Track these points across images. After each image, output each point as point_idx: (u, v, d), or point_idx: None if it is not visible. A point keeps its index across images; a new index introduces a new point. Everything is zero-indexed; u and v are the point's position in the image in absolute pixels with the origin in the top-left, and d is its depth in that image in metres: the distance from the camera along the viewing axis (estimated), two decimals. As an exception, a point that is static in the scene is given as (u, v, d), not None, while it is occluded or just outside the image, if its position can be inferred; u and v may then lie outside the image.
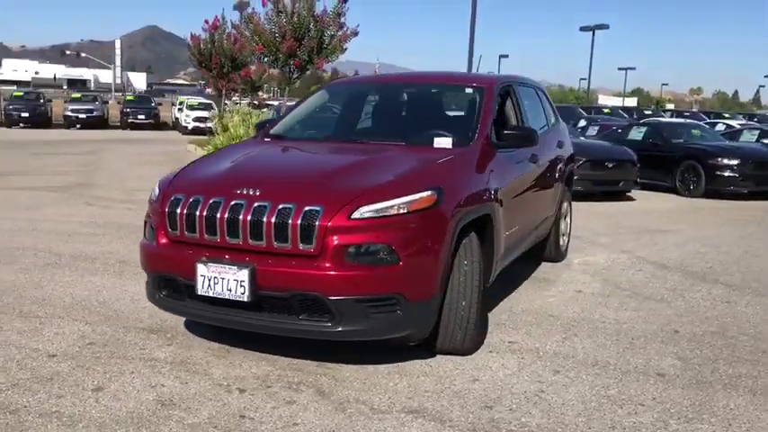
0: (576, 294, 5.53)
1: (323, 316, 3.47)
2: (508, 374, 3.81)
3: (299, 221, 3.42)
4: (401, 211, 3.51)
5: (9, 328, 4.36)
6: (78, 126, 32.84)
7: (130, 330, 4.38)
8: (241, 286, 3.48)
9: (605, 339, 4.45)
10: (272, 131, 5.11)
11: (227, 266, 3.51)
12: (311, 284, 3.41)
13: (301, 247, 3.44)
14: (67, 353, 3.96)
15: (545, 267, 6.42)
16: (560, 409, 3.38)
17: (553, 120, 6.61)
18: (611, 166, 12.05)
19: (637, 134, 15.20)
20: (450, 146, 4.42)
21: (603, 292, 5.62)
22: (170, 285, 3.83)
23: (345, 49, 13.41)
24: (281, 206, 3.47)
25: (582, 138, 14.51)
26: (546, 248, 6.45)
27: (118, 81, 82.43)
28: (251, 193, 3.59)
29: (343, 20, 13.21)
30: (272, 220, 3.45)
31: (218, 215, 3.56)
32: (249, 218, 3.50)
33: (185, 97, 40.74)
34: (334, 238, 3.40)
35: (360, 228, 3.43)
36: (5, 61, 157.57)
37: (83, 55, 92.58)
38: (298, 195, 3.52)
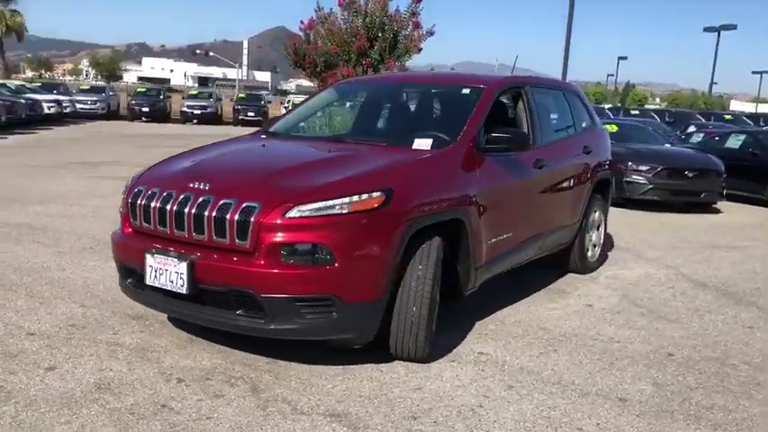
0: (584, 308, 5.23)
1: (258, 313, 3.48)
2: (456, 386, 3.67)
3: (236, 217, 3.45)
4: (340, 211, 3.45)
5: (10, 306, 4.67)
6: (195, 121, 34.59)
7: (116, 315, 4.57)
8: (181, 278, 3.55)
9: (585, 358, 4.18)
10: (271, 128, 5.18)
11: (169, 258, 3.59)
12: (245, 281, 3.43)
13: (237, 242, 3.46)
14: (46, 332, 4.19)
15: (568, 278, 6.12)
16: (488, 426, 3.22)
17: (585, 124, 6.28)
18: (691, 175, 11.28)
19: (734, 142, 14.15)
20: (428, 147, 4.30)
21: (615, 308, 5.28)
22: (133, 274, 3.97)
23: (420, 49, 13.34)
24: (222, 201, 3.52)
25: (667, 144, 13.67)
26: (570, 259, 6.14)
27: (243, 79, 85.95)
28: (200, 187, 3.66)
29: (417, 19, 13.15)
30: (213, 214, 3.50)
31: (168, 207, 3.65)
32: (193, 211, 3.56)
33: (294, 96, 42.06)
34: (269, 235, 3.40)
35: (295, 226, 3.40)
36: (145, 60, 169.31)
37: (211, 54, 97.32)
38: (241, 191, 3.55)
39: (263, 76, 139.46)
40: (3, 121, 23.24)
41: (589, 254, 6.33)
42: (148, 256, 3.67)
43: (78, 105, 34.09)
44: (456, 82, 5.29)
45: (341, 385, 3.61)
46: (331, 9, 13.21)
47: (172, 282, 3.59)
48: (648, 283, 6.09)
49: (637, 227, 9.27)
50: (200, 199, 3.57)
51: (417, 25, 13.26)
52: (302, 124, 5.25)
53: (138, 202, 3.83)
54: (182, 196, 3.64)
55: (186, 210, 3.58)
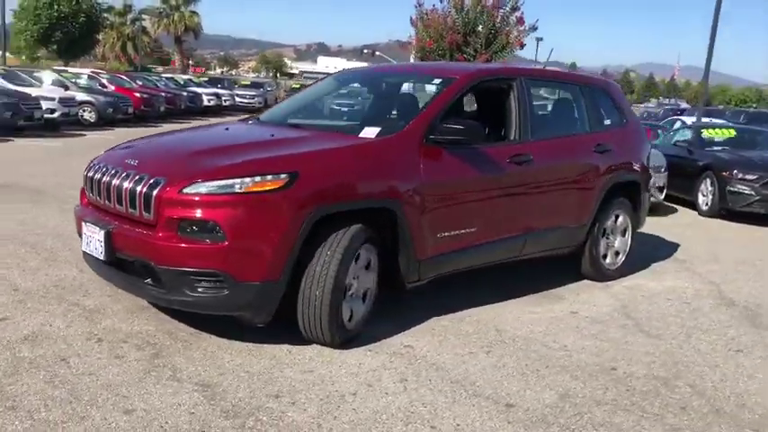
0: (565, 315, 4.94)
1: (159, 283, 3.70)
2: (349, 373, 3.67)
3: (143, 190, 3.68)
4: (236, 191, 3.57)
5: (12, 262, 5.25)
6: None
7: (99, 281, 4.98)
8: (100, 246, 3.85)
9: (512, 362, 3.99)
10: (263, 114, 5.39)
11: (94, 227, 3.91)
12: (146, 252, 3.66)
13: (144, 215, 3.70)
14: (28, 289, 4.68)
15: (578, 284, 5.77)
16: (341, 413, 3.22)
17: (609, 122, 5.89)
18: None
19: None
20: (373, 136, 4.30)
21: (601, 318, 4.94)
22: (87, 241, 4.34)
23: (523, 45, 13.00)
24: (138, 176, 3.77)
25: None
26: (582, 265, 5.80)
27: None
28: (130, 162, 3.94)
29: (520, 14, 12.83)
30: (128, 186, 3.76)
31: (102, 179, 3.97)
32: (115, 182, 3.85)
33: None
34: (167, 209, 3.60)
35: (189, 203, 3.57)
36: (320, 58, 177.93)
37: (377, 53, 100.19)
38: (155, 168, 3.79)
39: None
40: (162, 111, 25.74)
41: (607, 261, 5.93)
42: (83, 225, 4.01)
43: (238, 99, 36.90)
44: (432, 72, 5.19)
45: (237, 360, 3.73)
46: (434, 5, 13.25)
47: (95, 249, 3.90)
48: (665, 297, 5.59)
49: (717, 239, 8.51)
50: (125, 173, 3.85)
51: (521, 21, 12.93)
52: (286, 111, 5.36)
53: (88, 174, 4.18)
54: (114, 170, 3.94)
55: (113, 181, 3.87)
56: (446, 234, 4.45)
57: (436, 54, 13.13)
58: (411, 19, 13.32)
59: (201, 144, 4.37)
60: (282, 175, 3.65)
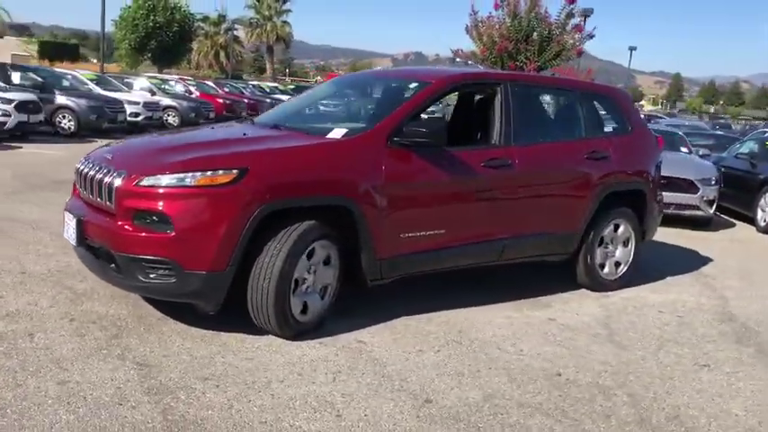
0: (540, 322, 4.90)
1: (118, 268, 3.98)
2: (287, 362, 3.83)
3: (107, 181, 3.99)
4: (186, 184, 3.81)
5: (32, 248, 5.70)
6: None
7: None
8: (73, 232, 4.19)
9: (456, 362, 4.03)
10: (259, 116, 5.64)
11: (70, 215, 4.25)
12: (107, 239, 3.96)
13: (107, 204, 4.00)
14: (34, 272, 5.09)
15: (573, 293, 5.68)
16: (258, 397, 3.38)
17: (611, 129, 5.79)
18: None
19: None
20: (339, 137, 4.45)
21: (576, 326, 4.87)
22: (76, 230, 4.70)
23: (581, 53, 12.73)
24: (107, 169, 4.08)
25: None
26: (577, 274, 5.72)
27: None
28: (108, 157, 4.27)
29: (578, 21, 12.57)
30: (99, 178, 4.08)
31: (84, 172, 4.31)
32: (91, 174, 4.17)
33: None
34: (124, 200, 3.89)
35: (143, 194, 3.84)
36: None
37: (457, 60, 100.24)
38: (122, 162, 4.09)
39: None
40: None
41: (605, 271, 5.80)
42: (65, 213, 4.37)
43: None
44: (412, 77, 5.28)
45: (187, 344, 3.96)
46: (489, 13, 13.22)
47: (70, 235, 4.24)
48: (658, 310, 5.43)
49: (761, 257, 8.17)
50: (100, 167, 4.17)
51: (579, 28, 12.70)
52: (280, 114, 5.56)
53: (77, 167, 4.54)
54: (95, 164, 4.27)
55: (89, 174, 4.20)
56: (411, 235, 4.53)
57: (489, 62, 13.11)
58: (466, 27, 13.35)
59: (172, 142, 4.64)
60: (233, 171, 3.85)
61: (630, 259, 5.96)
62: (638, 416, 3.48)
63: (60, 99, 18.69)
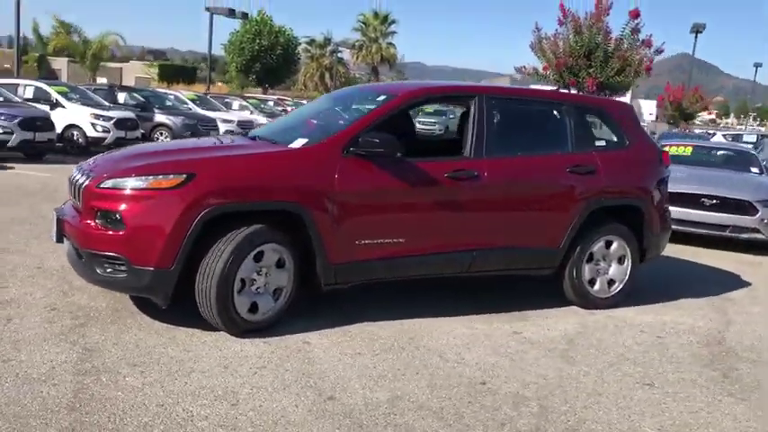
0: (502, 335, 4.88)
1: (84, 262, 4.40)
2: (216, 356, 4.05)
3: (80, 183, 4.43)
4: (137, 187, 4.18)
5: (59, 246, 6.30)
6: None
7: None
8: (54, 230, 4.66)
9: (386, 366, 4.13)
10: (253, 130, 5.98)
11: (54, 214, 4.73)
12: (74, 235, 4.40)
13: (78, 204, 4.44)
14: (48, 267, 5.64)
15: (562, 309, 5.59)
16: (167, 383, 3.63)
17: (602, 143, 5.69)
18: None
19: None
20: (299, 146, 4.70)
21: (538, 341, 4.81)
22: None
23: (649, 69, 12.28)
24: (85, 173, 4.53)
25: None
26: (564, 290, 5.63)
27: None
28: (92, 164, 4.73)
29: (647, 36, 12.16)
30: (76, 180, 4.53)
31: (71, 176, 4.78)
32: (73, 177, 4.64)
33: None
34: (87, 200, 4.31)
35: (102, 195, 4.24)
36: (533, 86, 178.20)
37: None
38: (97, 168, 4.53)
39: (649, 105, 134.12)
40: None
41: (594, 288, 5.67)
42: (53, 214, 4.86)
43: (419, 126, 38.28)
44: (383, 90, 5.41)
45: (140, 335, 4.30)
46: (556, 30, 13.06)
47: (52, 233, 4.71)
48: (640, 330, 5.24)
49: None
50: (83, 171, 4.63)
51: (648, 44, 12.30)
52: (271, 128, 5.87)
53: (71, 174, 5.04)
54: (81, 170, 4.73)
55: (73, 177, 4.67)
56: (366, 242, 4.67)
57: (551, 79, 12.96)
58: (531, 44, 13.25)
59: (147, 150, 5.05)
60: (181, 176, 4.18)
61: (626, 278, 5.77)
62: (535, 426, 3.45)
63: (159, 117, 20.15)
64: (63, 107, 17.27)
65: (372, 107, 5.01)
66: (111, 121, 17.00)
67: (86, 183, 4.36)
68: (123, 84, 35.26)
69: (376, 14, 56.79)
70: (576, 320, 5.34)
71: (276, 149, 4.67)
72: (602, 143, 5.70)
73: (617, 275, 5.75)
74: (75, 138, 16.48)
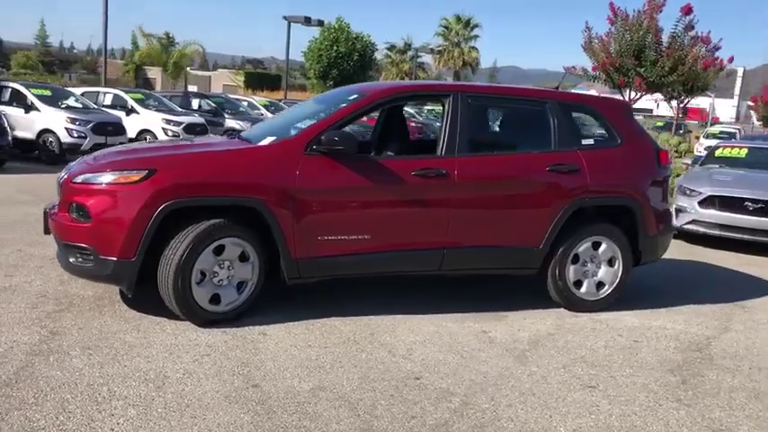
0: (468, 333, 4.85)
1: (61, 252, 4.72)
2: (169, 344, 4.25)
3: (62, 178, 4.76)
4: (103, 181, 4.46)
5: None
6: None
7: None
8: (43, 224, 5.01)
9: (331, 359, 4.20)
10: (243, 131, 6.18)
11: (44, 210, 5.08)
12: (52, 227, 4.73)
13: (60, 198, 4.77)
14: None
15: (549, 311, 5.48)
16: (108, 365, 3.86)
17: (591, 141, 5.55)
18: None
19: None
20: (267, 144, 4.87)
21: (502, 341, 4.76)
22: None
23: (707, 67, 11.66)
24: (69, 169, 4.87)
25: None
26: (548, 291, 5.53)
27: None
28: (85, 159, 5.07)
29: (705, 33, 11.58)
30: (61, 177, 4.87)
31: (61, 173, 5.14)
32: (59, 175, 4.99)
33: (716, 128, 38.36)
34: (64, 194, 4.63)
35: (74, 190, 4.55)
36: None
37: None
38: (83, 163, 4.84)
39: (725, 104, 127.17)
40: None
41: (581, 290, 5.52)
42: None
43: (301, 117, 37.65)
44: (357, 90, 5.46)
45: (107, 321, 4.57)
46: (609, 29, 12.68)
47: (43, 227, 5.07)
48: (617, 334, 5.07)
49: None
50: (70, 168, 4.96)
51: (704, 40, 11.73)
52: (258, 128, 6.01)
53: (66, 171, 5.40)
54: (69, 167, 5.07)
55: (60, 175, 5.02)
56: (329, 238, 4.77)
57: (601, 79, 12.61)
58: (582, 44, 12.92)
59: (128, 148, 5.34)
60: (143, 172, 4.42)
61: (617, 280, 5.59)
62: (444, 421, 3.44)
63: (229, 122, 20.96)
64: (137, 113, 18.26)
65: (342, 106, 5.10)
66: (181, 126, 17.81)
67: (64, 178, 4.68)
68: (211, 91, 36.90)
69: (459, 19, 56.60)
70: (553, 322, 5.23)
71: (238, 147, 4.84)
72: (590, 141, 5.55)
73: (607, 278, 5.57)
74: (147, 141, 17.37)
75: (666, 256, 7.14)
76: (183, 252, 4.40)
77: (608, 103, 5.92)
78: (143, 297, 4.70)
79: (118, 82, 48.23)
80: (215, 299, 4.62)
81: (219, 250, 4.57)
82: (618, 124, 5.65)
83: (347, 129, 5.10)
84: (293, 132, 4.99)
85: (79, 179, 4.56)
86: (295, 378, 3.87)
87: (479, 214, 5.15)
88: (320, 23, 32.37)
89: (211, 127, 19.36)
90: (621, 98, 12.78)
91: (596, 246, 5.51)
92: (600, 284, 5.58)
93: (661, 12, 11.93)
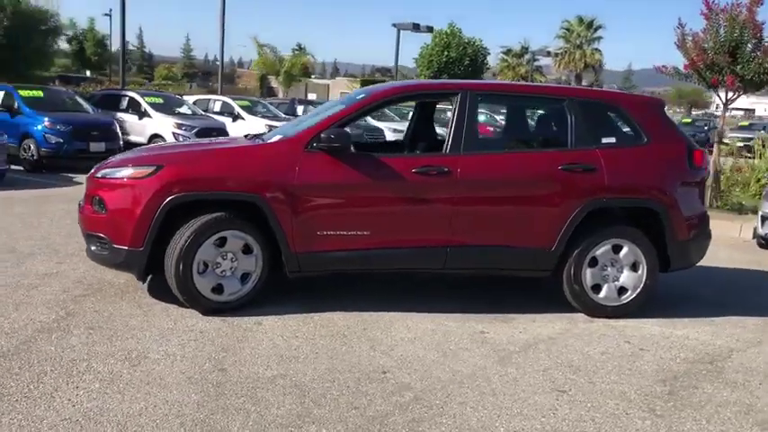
0: (462, 334, 4.78)
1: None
2: (165, 329, 4.53)
3: (89, 174, 5.21)
4: (119, 176, 4.85)
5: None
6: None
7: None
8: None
9: (304, 350, 4.32)
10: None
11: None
12: (79, 218, 5.18)
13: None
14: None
15: (567, 315, 5.31)
16: (100, 344, 4.19)
17: (611, 140, 5.31)
18: None
19: None
20: (271, 142, 5.10)
21: (496, 342, 4.67)
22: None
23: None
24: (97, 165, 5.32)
25: None
26: (565, 295, 5.35)
27: None
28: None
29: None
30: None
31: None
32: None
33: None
34: (89, 188, 5.06)
35: (96, 183, 4.96)
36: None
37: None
38: (110, 161, 5.28)
39: None
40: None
41: (600, 295, 5.29)
42: (82, 202, 5.71)
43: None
44: (364, 91, 5.52)
45: (121, 307, 4.92)
46: (706, 24, 11.87)
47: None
48: (624, 340, 4.82)
49: None
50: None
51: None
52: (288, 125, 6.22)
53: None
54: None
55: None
56: (329, 233, 4.89)
57: (694, 78, 11.82)
58: (675, 42, 12.17)
59: (153, 147, 5.71)
60: (153, 167, 4.76)
61: (642, 286, 5.30)
62: (384, 413, 3.46)
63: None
64: (243, 119, 19.24)
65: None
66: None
67: (91, 173, 5.11)
68: (329, 99, 38.02)
69: (581, 20, 54.99)
70: (563, 326, 5.05)
71: (243, 145, 5.07)
72: (611, 140, 5.30)
73: (629, 283, 5.30)
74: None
75: (736, 264, 6.78)
76: (184, 243, 4.68)
77: (634, 100, 5.64)
78: (165, 286, 5.01)
79: (247, 91, 50.88)
80: (218, 288, 4.86)
81: (222, 242, 4.81)
82: (645, 122, 5.36)
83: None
84: (298, 130, 5.15)
85: (99, 174, 4.96)
86: (263, 366, 4.01)
87: (485, 213, 5.08)
88: (429, 30, 32.54)
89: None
90: (717, 96, 11.99)
91: (617, 249, 5.26)
92: (622, 290, 5.32)
93: (761, 4, 11.06)
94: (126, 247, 4.77)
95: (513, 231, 5.11)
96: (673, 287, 6.15)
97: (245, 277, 4.94)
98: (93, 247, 4.98)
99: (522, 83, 6.60)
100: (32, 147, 13.14)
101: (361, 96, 5.30)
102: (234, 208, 4.81)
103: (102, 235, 4.86)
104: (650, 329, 5.09)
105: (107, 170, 4.95)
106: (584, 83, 53.12)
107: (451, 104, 5.14)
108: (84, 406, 3.36)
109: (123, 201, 4.78)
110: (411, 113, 6.49)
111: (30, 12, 19.05)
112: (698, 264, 5.71)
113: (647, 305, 5.42)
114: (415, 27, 31.02)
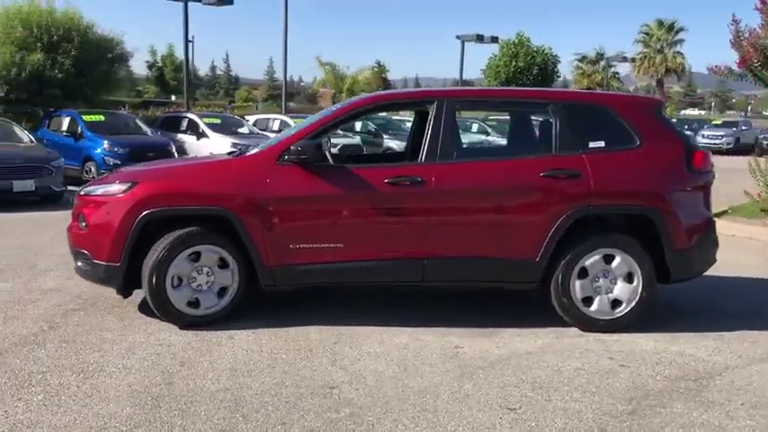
0: (436, 349, 4.63)
1: (75, 256, 5.34)
2: (135, 341, 4.63)
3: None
4: (98, 193, 5.00)
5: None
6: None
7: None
8: (70, 232, 5.67)
9: (264, 362, 4.29)
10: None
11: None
12: (67, 235, 5.36)
13: (77, 209, 5.40)
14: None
15: (558, 329, 5.06)
16: (74, 356, 4.31)
17: (602, 143, 5.03)
18: None
19: None
20: (245, 155, 5.15)
21: (467, 357, 4.49)
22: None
23: None
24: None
25: None
26: (554, 308, 5.10)
27: None
28: None
29: None
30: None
31: None
32: None
33: None
34: (75, 205, 5.23)
35: (81, 201, 5.13)
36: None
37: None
38: (95, 181, 5.46)
39: None
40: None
41: (592, 308, 5.00)
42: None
43: (701, 140, 34.21)
44: (345, 102, 5.45)
45: (105, 319, 5.06)
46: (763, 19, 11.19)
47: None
48: (608, 357, 4.52)
49: None
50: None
51: None
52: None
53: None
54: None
55: None
56: (302, 246, 4.86)
57: (749, 77, 11.14)
58: (730, 41, 11.50)
59: (138, 165, 5.85)
60: (128, 184, 4.88)
61: (637, 298, 4.98)
62: (311, 429, 3.37)
63: (387, 142, 21.61)
64: (299, 136, 19.52)
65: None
66: (336, 148, 18.74)
67: (78, 191, 5.29)
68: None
69: (661, 23, 53.02)
70: (545, 341, 4.81)
71: (216, 160, 5.12)
72: (600, 144, 5.01)
73: (623, 295, 4.99)
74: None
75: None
76: (156, 257, 4.75)
77: (626, 102, 5.33)
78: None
79: (320, 108, 51.84)
80: (195, 303, 4.90)
81: (197, 257, 4.85)
82: (637, 124, 5.06)
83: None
84: (271, 143, 5.15)
85: (83, 191, 5.13)
86: (212, 380, 4.00)
87: (462, 223, 4.92)
88: (494, 40, 32.23)
89: (369, 147, 20.05)
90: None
91: (609, 259, 4.97)
92: (616, 302, 5.01)
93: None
94: (104, 263, 4.88)
95: (493, 242, 4.92)
96: (690, 299, 5.78)
97: (222, 291, 4.96)
98: (79, 263, 5.13)
99: (506, 87, 6.36)
100: (93, 169, 13.82)
101: (334, 108, 5.26)
102: (209, 222, 4.85)
103: (84, 251, 5.01)
104: (643, 345, 4.76)
105: (90, 188, 5.11)
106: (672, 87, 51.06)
107: (428, 113, 5.02)
108: (16, 418, 3.44)
109: (101, 217, 4.91)
110: (411, 124, 6.37)
111: (96, 40, 20.09)
112: (715, 273, 5.35)
113: (651, 318, 5.11)
114: (479, 38, 30.82)
